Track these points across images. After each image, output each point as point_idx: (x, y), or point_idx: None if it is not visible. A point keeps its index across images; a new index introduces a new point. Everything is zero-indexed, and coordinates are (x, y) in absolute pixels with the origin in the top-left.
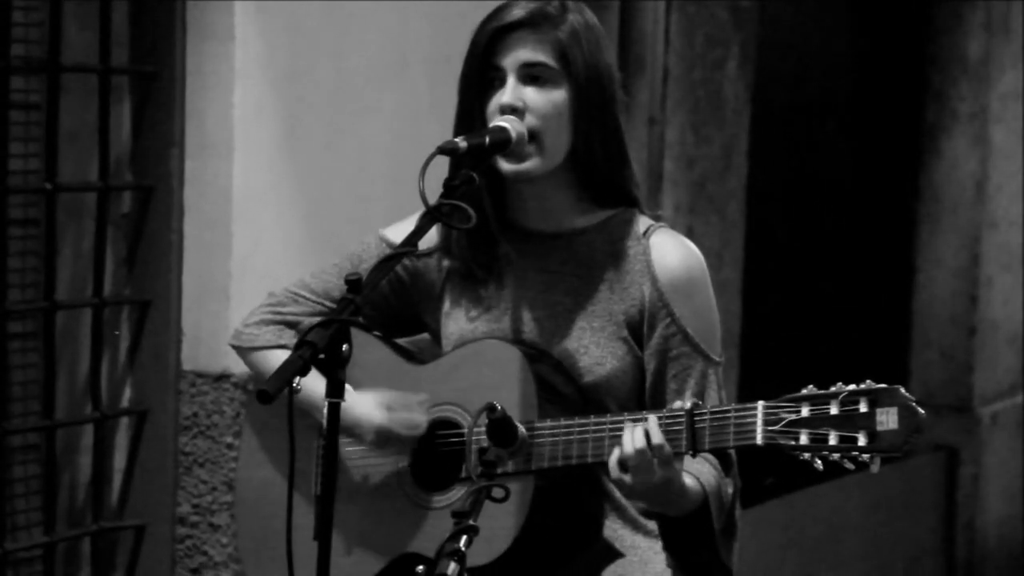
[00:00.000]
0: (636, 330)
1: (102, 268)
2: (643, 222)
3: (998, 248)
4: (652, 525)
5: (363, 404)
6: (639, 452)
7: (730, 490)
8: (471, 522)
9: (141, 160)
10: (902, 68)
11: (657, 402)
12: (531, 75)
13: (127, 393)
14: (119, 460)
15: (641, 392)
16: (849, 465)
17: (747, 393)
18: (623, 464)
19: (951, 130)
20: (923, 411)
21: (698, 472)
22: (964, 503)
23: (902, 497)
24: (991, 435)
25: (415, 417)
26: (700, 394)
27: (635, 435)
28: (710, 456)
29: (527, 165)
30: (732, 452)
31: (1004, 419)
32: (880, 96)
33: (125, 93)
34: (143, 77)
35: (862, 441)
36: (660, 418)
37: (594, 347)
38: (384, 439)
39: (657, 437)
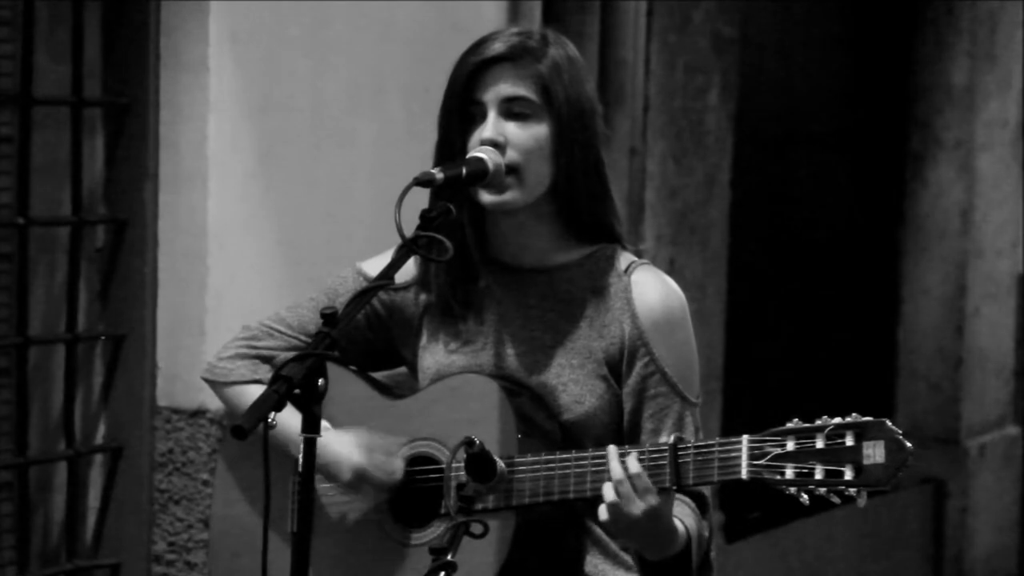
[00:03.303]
0: (615, 368)
1: (75, 303)
2: (624, 258)
3: (984, 278)
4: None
5: (341, 442)
6: (618, 482)
7: (707, 533)
8: (449, 558)
9: (115, 193)
10: (886, 96)
11: (634, 441)
12: (512, 109)
13: (101, 429)
14: (93, 498)
15: (619, 431)
16: (835, 499)
17: (730, 425)
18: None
19: (936, 159)
20: (910, 445)
21: (681, 515)
22: (952, 536)
23: (889, 530)
24: (979, 467)
25: (393, 462)
26: None
27: (613, 467)
28: (687, 498)
29: (507, 196)
30: (707, 494)
31: (992, 451)
32: (864, 125)
33: (98, 125)
34: (116, 109)
35: (848, 475)
36: (642, 452)
37: (573, 384)
38: (360, 480)
39: (635, 467)
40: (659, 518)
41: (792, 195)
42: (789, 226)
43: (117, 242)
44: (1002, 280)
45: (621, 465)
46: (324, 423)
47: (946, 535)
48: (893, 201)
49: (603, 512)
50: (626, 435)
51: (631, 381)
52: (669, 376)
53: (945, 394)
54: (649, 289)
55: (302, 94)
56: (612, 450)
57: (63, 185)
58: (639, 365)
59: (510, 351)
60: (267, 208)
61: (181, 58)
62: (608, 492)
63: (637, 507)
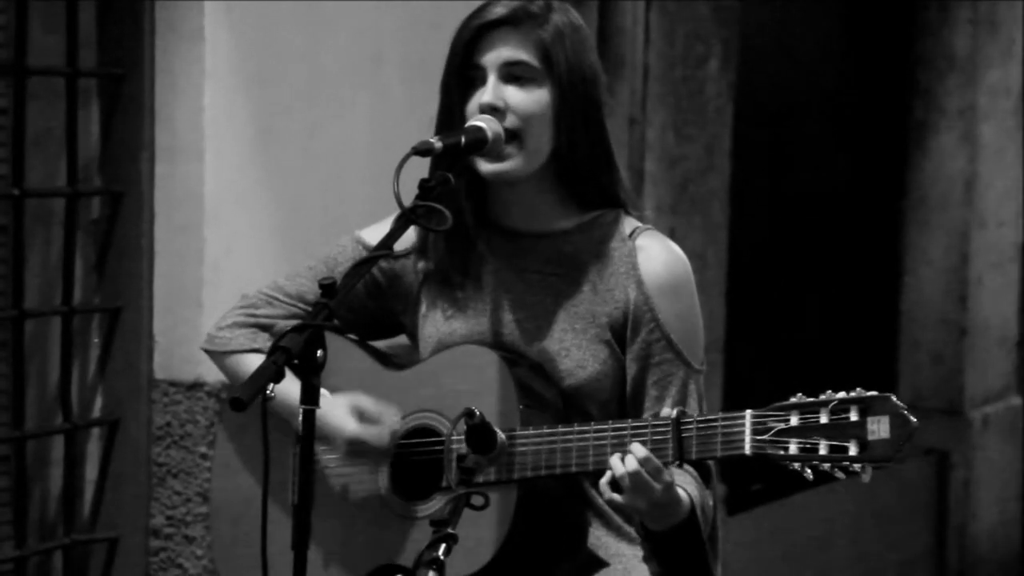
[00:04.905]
0: (619, 333)
1: (71, 275)
2: (629, 223)
3: (987, 247)
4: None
5: (335, 413)
6: (634, 474)
7: (711, 501)
8: (450, 530)
9: (110, 164)
10: (888, 65)
11: (637, 408)
12: (513, 74)
13: (98, 403)
14: (91, 471)
15: (623, 397)
16: (840, 475)
17: (732, 397)
18: (616, 486)
19: (938, 127)
20: (915, 420)
21: (682, 483)
22: (955, 507)
23: (892, 502)
24: (982, 438)
25: (386, 428)
26: (680, 403)
27: (626, 459)
28: (689, 467)
29: (507, 166)
30: (711, 464)
31: (995, 422)
32: (866, 93)
33: (93, 96)
34: (111, 79)
35: (853, 450)
36: (644, 426)
37: (575, 349)
38: (358, 450)
39: (643, 452)
40: (668, 491)
41: (793, 165)
42: (790, 196)
43: (113, 214)
44: (1005, 250)
45: (632, 455)
46: (323, 393)
47: (949, 506)
48: (895, 170)
49: (607, 492)
50: (629, 401)
51: (636, 347)
52: (674, 343)
53: (948, 365)
54: (655, 255)
55: (299, 64)
56: (614, 460)
57: (58, 156)
58: (644, 331)
59: (510, 317)
60: (264, 179)
61: (177, 28)
62: (624, 480)
63: (656, 491)
